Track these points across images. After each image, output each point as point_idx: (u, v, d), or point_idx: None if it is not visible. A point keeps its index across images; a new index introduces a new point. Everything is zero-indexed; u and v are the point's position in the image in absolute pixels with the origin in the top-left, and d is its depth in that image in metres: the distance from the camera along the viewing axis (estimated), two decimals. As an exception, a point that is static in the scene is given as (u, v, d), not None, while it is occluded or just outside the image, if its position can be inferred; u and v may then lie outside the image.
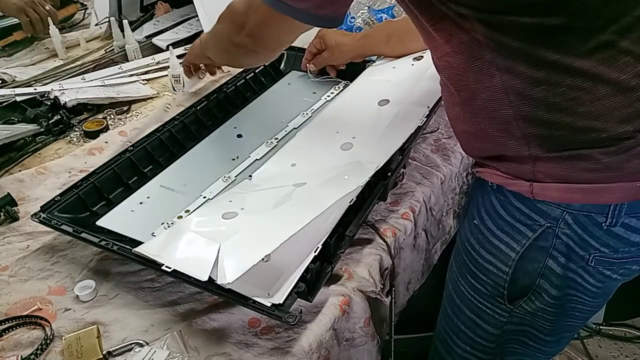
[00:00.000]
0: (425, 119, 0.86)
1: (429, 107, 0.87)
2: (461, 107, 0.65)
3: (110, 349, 0.61)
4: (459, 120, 0.68)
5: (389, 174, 0.79)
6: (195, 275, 0.59)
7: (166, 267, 0.61)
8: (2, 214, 0.82)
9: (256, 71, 1.12)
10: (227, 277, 0.58)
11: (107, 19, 1.43)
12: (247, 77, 1.10)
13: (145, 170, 0.87)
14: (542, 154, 0.59)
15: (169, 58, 1.16)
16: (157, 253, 0.63)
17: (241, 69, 1.12)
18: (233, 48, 0.79)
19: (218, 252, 0.61)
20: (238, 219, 0.68)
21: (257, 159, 0.89)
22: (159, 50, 1.36)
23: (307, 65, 1.09)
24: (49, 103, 1.09)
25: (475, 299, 0.77)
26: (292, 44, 1.20)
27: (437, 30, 0.58)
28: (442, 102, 0.74)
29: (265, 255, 0.61)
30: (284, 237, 0.62)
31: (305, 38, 1.36)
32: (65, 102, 1.08)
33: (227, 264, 0.60)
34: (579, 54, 0.52)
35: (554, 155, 0.59)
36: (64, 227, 0.72)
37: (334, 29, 1.31)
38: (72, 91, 1.12)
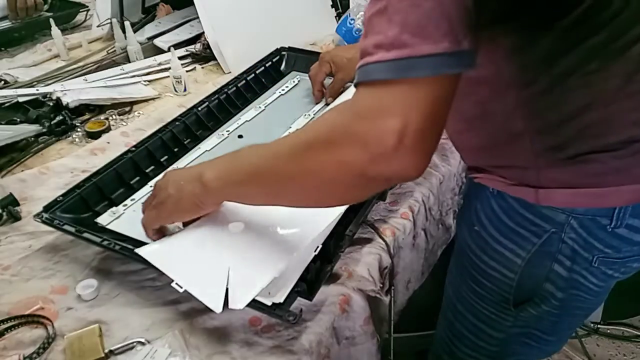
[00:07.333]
0: None
1: None
2: (467, 122, 0.64)
3: (112, 348, 0.61)
4: (463, 135, 0.68)
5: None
6: (210, 305, 0.59)
7: (177, 284, 0.61)
8: (4, 213, 0.82)
9: (257, 72, 1.13)
10: (237, 303, 0.58)
11: (109, 21, 1.44)
12: (248, 78, 1.10)
13: (147, 171, 0.88)
14: (551, 162, 0.59)
15: (170, 59, 1.17)
16: (162, 263, 0.63)
17: (242, 71, 1.12)
18: (349, 186, 0.49)
19: (228, 274, 0.61)
20: (242, 236, 0.66)
21: (257, 159, 0.89)
22: (160, 51, 1.37)
23: (326, 99, 1.02)
24: (51, 104, 1.10)
25: (479, 305, 0.76)
26: (292, 45, 1.23)
27: None
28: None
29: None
30: (290, 254, 0.62)
31: (306, 39, 1.37)
32: (68, 103, 1.08)
33: (239, 289, 0.59)
34: (597, 58, 0.52)
35: (562, 162, 0.58)
36: (66, 227, 0.72)
37: (336, 47, 1.31)
38: (74, 92, 1.13)
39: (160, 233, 0.67)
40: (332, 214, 0.67)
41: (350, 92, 0.99)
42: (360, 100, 0.46)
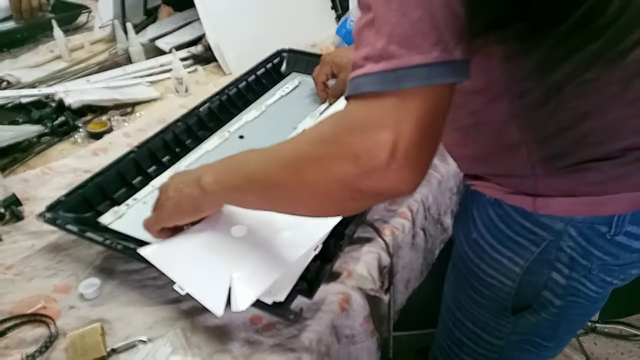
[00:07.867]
0: None
1: None
2: (462, 132, 0.64)
3: (114, 346, 0.62)
4: (458, 145, 0.67)
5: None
6: (211, 308, 0.59)
7: (179, 287, 0.61)
8: (7, 213, 0.83)
9: (257, 73, 1.13)
10: (239, 305, 0.59)
11: (111, 22, 1.45)
12: (249, 80, 1.11)
13: (148, 171, 0.89)
14: (549, 171, 0.59)
15: (172, 61, 1.17)
16: (164, 264, 0.63)
17: (243, 72, 1.13)
18: (342, 199, 0.48)
19: (230, 277, 0.61)
20: (244, 239, 0.66)
21: (258, 160, 0.90)
22: (162, 52, 1.37)
23: (328, 99, 1.03)
24: (53, 104, 1.10)
25: (478, 312, 0.76)
26: (293, 47, 1.23)
27: None
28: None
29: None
30: (292, 258, 0.62)
31: (306, 40, 1.38)
32: (70, 104, 1.09)
33: (240, 291, 0.60)
34: (593, 67, 0.51)
35: (561, 170, 0.58)
36: (68, 226, 0.73)
37: (337, 48, 1.31)
38: (76, 93, 1.13)
39: (166, 232, 0.67)
40: (334, 219, 0.67)
41: (342, 102, 0.99)
42: (351, 113, 0.45)
